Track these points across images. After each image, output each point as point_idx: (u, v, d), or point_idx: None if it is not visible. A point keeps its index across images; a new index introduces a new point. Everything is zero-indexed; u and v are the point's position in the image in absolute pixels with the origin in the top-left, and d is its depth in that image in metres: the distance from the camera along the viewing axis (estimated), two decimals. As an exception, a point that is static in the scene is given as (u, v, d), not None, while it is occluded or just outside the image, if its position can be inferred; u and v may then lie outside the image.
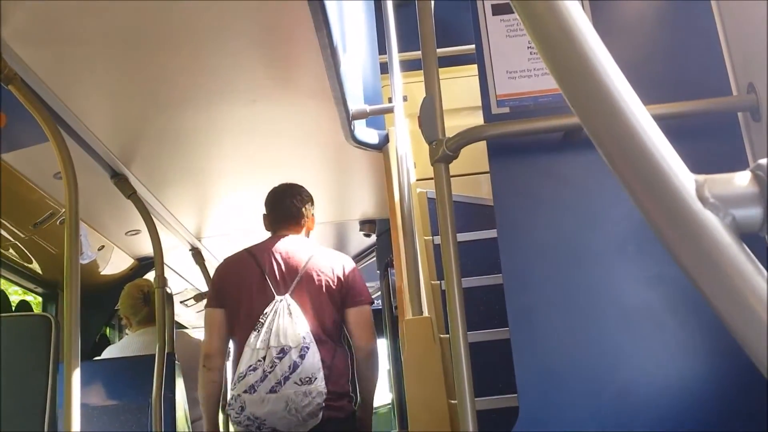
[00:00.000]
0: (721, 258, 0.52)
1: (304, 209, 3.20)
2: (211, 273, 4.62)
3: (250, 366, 2.82)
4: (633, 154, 0.54)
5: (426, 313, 2.93)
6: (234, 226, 4.41)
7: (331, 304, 3.01)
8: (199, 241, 4.44)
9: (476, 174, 3.76)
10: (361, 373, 3.08)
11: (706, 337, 1.90)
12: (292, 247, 3.08)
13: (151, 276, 4.28)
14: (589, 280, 1.96)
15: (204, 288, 4.72)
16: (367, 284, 5.63)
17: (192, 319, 5.97)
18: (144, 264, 4.52)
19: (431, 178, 2.07)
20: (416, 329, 2.76)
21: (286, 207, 3.17)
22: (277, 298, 2.93)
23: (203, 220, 4.19)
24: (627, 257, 1.95)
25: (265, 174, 3.66)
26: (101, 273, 4.40)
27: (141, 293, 3.89)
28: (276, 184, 3.25)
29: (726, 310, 0.51)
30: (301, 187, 3.26)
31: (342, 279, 3.08)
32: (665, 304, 1.91)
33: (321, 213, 4.39)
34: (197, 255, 4.46)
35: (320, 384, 2.84)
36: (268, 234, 3.20)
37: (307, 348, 2.85)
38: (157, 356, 3.24)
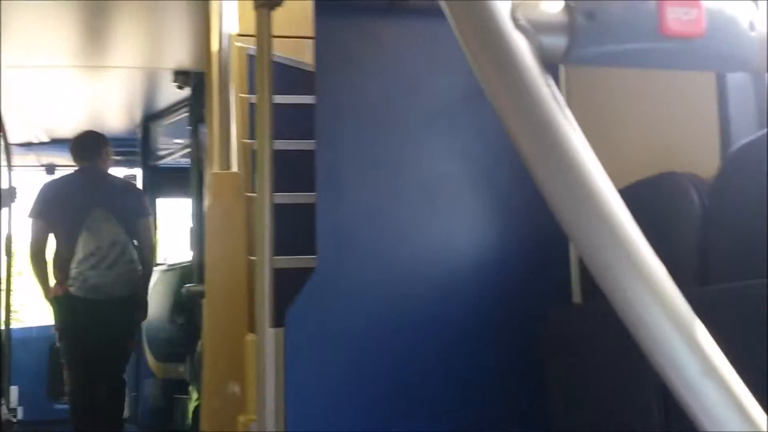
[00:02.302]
0: (522, 79, 0.53)
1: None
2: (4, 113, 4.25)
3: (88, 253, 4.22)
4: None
5: (234, 170, 2.89)
6: (32, 58, 4.04)
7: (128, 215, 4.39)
8: (-9, 71, 4.02)
9: (302, 38, 3.66)
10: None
11: (496, 212, 2.02)
12: (98, 176, 4.50)
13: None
14: (399, 148, 2.00)
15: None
16: (177, 141, 5.46)
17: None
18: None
19: (254, 35, 2.00)
20: (223, 183, 2.72)
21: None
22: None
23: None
24: (438, 130, 2.01)
25: (72, 4, 3.35)
26: None
27: None
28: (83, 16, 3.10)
29: (518, 128, 0.53)
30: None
31: (134, 197, 4.55)
32: (466, 179, 2.01)
33: (130, 56, 4.12)
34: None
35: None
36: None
37: (125, 243, 4.30)
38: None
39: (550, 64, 0.56)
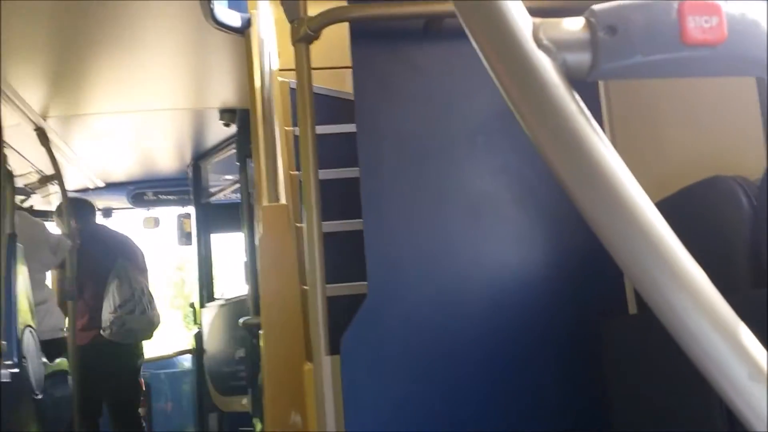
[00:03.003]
0: (549, 97, 0.54)
1: None
2: (57, 156, 4.39)
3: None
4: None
5: (283, 202, 2.93)
6: (84, 107, 4.17)
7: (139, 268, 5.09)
8: (45, 120, 4.17)
9: (341, 68, 3.72)
10: None
11: (543, 226, 2.01)
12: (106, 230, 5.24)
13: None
14: (440, 170, 2.02)
15: (49, 171, 4.49)
16: (227, 177, 5.57)
17: (36, 203, 5.68)
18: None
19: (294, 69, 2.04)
20: (273, 216, 2.76)
21: None
22: None
23: (49, 97, 3.93)
24: (476, 148, 2.01)
25: (117, 53, 3.47)
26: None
27: None
28: (129, 63, 3.24)
29: (549, 147, 0.54)
30: None
31: (140, 253, 5.15)
32: (508, 194, 2.01)
33: (177, 99, 4.23)
34: (42, 136, 4.20)
35: None
36: None
37: (150, 292, 4.86)
38: (-3, 238, 3.08)
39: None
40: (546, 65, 0.55)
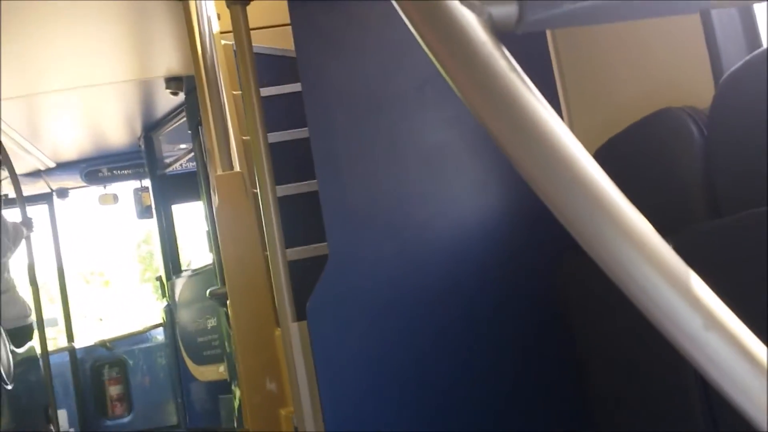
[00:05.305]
0: (476, 55, 0.51)
1: None
2: (4, 140, 4.26)
3: None
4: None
5: (237, 169, 2.88)
6: (26, 87, 4.04)
7: None
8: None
9: (283, 26, 3.64)
10: None
11: (499, 174, 2.00)
12: None
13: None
14: (391, 123, 1.98)
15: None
16: (181, 146, 5.46)
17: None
18: None
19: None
20: (227, 184, 2.72)
21: None
22: None
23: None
24: (426, 100, 1.98)
25: (56, 28, 3.34)
26: None
27: None
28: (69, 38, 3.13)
29: (479, 106, 0.52)
30: None
31: None
32: (462, 144, 1.98)
33: (121, 71, 4.11)
34: (-16, 121, 4.07)
35: None
36: None
37: None
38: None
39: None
40: (471, 21, 0.52)
